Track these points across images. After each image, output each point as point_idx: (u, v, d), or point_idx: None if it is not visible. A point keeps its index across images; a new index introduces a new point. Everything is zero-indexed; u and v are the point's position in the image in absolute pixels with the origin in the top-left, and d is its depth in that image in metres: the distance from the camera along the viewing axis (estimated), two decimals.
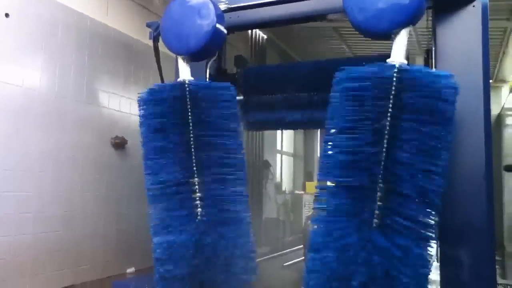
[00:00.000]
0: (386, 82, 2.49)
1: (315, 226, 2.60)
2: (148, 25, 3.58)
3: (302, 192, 10.96)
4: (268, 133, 8.95)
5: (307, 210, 10.61)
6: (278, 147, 10.27)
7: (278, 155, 10.26)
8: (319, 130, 11.98)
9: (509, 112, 8.07)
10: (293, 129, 8.22)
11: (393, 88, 2.47)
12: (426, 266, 2.38)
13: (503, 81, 10.76)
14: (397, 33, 2.57)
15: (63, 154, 3.95)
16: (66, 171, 3.92)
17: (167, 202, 2.92)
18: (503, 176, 7.58)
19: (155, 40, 3.53)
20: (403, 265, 2.36)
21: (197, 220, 2.89)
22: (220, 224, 2.90)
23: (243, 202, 2.95)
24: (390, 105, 2.47)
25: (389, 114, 2.47)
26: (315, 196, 2.66)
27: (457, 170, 2.66)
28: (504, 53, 8.96)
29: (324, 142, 2.66)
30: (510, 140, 7.20)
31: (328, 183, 2.66)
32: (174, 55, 3.34)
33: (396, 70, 2.48)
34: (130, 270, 4.42)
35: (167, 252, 2.87)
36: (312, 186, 11.51)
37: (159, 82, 3.63)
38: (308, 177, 11.70)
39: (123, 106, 4.56)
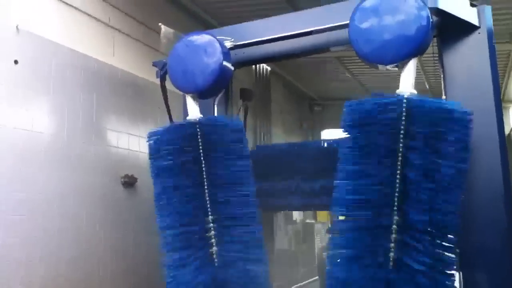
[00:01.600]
0: (395, 113, 2.47)
1: (331, 262, 2.55)
2: (155, 65, 3.61)
3: (313, 221, 10.82)
4: None
5: (319, 239, 10.47)
6: None
7: None
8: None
9: None
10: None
11: (403, 120, 2.45)
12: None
13: (510, 101, 10.76)
14: (404, 63, 2.57)
15: (74, 195, 3.94)
16: (75, 212, 3.90)
17: (182, 243, 2.88)
18: None
19: (162, 79, 3.56)
20: None
21: (212, 261, 2.83)
22: (236, 265, 2.84)
23: (258, 241, 2.90)
24: (401, 138, 2.45)
25: (400, 147, 2.44)
26: (331, 236, 2.61)
27: (475, 195, 2.61)
28: (509, 74, 9.02)
29: (336, 181, 2.63)
30: None
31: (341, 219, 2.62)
32: (180, 93, 3.36)
33: (405, 101, 2.47)
34: None
35: None
36: (323, 215, 11.35)
37: (167, 119, 3.65)
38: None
39: (132, 144, 4.57)
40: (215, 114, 3.87)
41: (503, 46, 7.43)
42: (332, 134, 12.07)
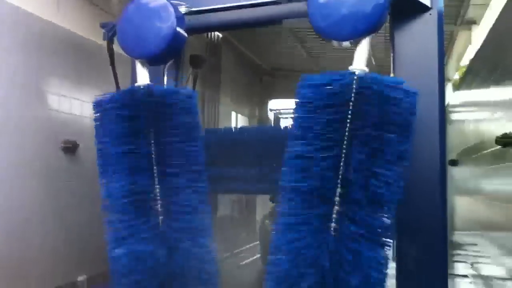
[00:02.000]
0: (345, 89, 2.52)
1: (275, 230, 2.61)
2: (103, 26, 3.43)
3: None
4: (222, 124, 8.86)
5: (260, 206, 10.67)
6: None
7: None
8: (273, 116, 12.05)
9: (452, 109, 8.41)
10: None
11: (353, 95, 2.51)
12: (381, 269, 2.43)
13: (448, 79, 11.29)
14: (359, 41, 2.60)
15: (9, 162, 3.72)
16: (11, 179, 3.69)
17: (126, 213, 2.81)
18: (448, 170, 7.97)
19: (110, 41, 3.39)
20: (355, 269, 2.41)
21: (157, 230, 2.81)
22: (181, 234, 2.83)
23: (205, 210, 2.90)
24: (349, 113, 2.51)
25: (348, 121, 2.50)
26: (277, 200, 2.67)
27: (413, 169, 2.73)
28: (449, 55, 9.44)
29: (287, 148, 2.67)
30: (453, 135, 7.55)
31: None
32: (129, 57, 3.22)
33: (356, 77, 2.52)
34: (81, 278, 4.24)
35: (126, 264, 2.76)
36: None
37: (114, 84, 3.50)
38: None
39: (75, 108, 4.34)
40: (165, 82, 3.77)
41: (449, 27, 8.01)
42: (279, 104, 12.18)
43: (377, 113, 2.47)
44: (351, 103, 2.50)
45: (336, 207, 2.46)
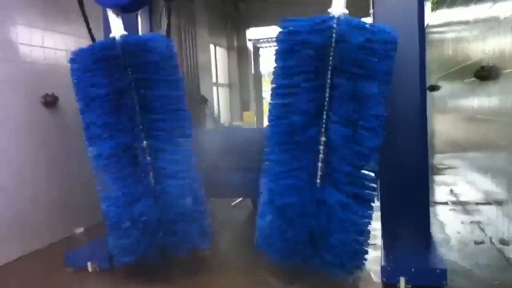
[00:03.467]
0: (326, 34, 2.49)
1: (264, 179, 2.69)
2: None
3: (241, 122, 11.05)
4: (202, 65, 8.73)
5: None
6: (214, 80, 10.11)
7: (214, 88, 10.13)
8: (252, 46, 11.83)
9: (431, 30, 8.30)
10: None
11: (333, 39, 2.48)
12: (368, 217, 2.56)
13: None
14: None
15: None
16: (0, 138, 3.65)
17: (113, 170, 2.85)
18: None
19: None
20: (341, 220, 2.48)
21: (144, 185, 2.86)
22: (169, 187, 2.87)
23: (190, 161, 2.94)
24: (331, 56, 2.49)
25: (329, 65, 2.50)
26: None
27: (394, 100, 2.79)
28: None
29: (270, 96, 2.69)
30: (433, 58, 7.52)
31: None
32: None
33: (335, 21, 2.48)
34: (79, 230, 4.34)
35: (120, 221, 2.84)
36: (249, 116, 11.59)
37: (85, 30, 3.34)
38: (245, 107, 11.75)
39: (49, 58, 4.18)
40: (140, 29, 3.65)
41: None
42: (257, 33, 11.89)
43: (357, 56, 2.47)
44: (331, 47, 2.49)
45: (320, 155, 2.53)
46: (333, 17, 2.51)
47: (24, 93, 3.88)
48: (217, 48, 10.45)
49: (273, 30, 11.22)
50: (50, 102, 4.05)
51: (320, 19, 2.54)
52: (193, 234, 2.88)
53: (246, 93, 12.00)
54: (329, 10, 2.58)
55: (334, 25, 2.48)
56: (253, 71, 12.06)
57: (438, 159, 6.62)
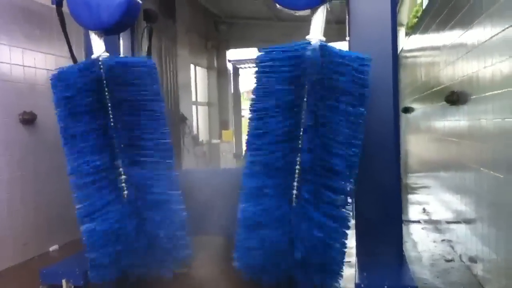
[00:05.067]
0: (302, 60, 2.57)
1: (242, 204, 2.74)
2: None
3: (219, 141, 11.11)
4: (182, 84, 8.79)
5: (224, 159, 10.84)
6: (193, 98, 10.17)
7: (194, 106, 10.18)
8: (232, 67, 11.93)
9: (405, 54, 8.58)
10: None
11: (308, 65, 2.56)
12: (342, 239, 2.62)
13: (401, 24, 11.43)
14: (315, 10, 2.65)
15: None
16: None
17: (92, 188, 2.86)
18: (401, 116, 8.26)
19: (58, 5, 3.23)
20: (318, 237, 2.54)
21: (123, 204, 2.88)
22: (148, 207, 2.91)
23: (171, 183, 2.97)
24: (306, 83, 2.59)
25: (306, 91, 2.59)
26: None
27: (369, 123, 2.88)
28: (401, 2, 9.52)
29: (249, 120, 2.76)
30: (407, 81, 7.76)
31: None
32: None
33: (310, 47, 2.58)
34: (54, 248, 4.29)
35: (97, 238, 2.84)
36: (228, 134, 11.67)
37: (67, 49, 3.37)
38: (224, 125, 11.83)
39: (28, 75, 4.18)
40: (121, 50, 3.69)
41: None
42: (237, 54, 12.05)
43: (334, 83, 2.57)
44: (305, 73, 2.58)
45: (296, 175, 2.60)
46: (309, 43, 2.61)
47: (3, 111, 3.87)
48: (197, 67, 10.54)
49: (253, 52, 11.47)
50: (28, 119, 4.05)
51: (297, 46, 2.63)
52: (173, 253, 2.89)
53: (225, 112, 12.10)
54: (307, 37, 2.68)
55: (309, 52, 2.58)
56: (232, 91, 12.18)
57: (412, 179, 6.78)
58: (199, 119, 10.61)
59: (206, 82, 11.39)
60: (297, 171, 2.61)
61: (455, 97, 3.44)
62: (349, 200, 2.67)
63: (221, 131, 11.58)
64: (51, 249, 4.32)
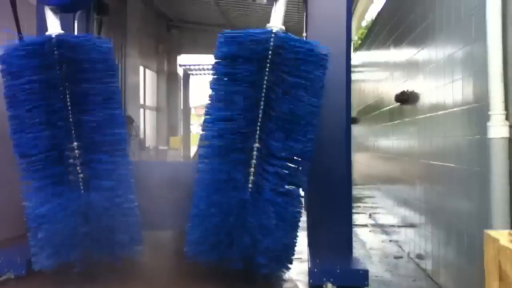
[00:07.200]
0: (264, 46, 2.64)
1: (196, 187, 2.72)
2: None
3: (166, 147, 10.93)
4: (131, 86, 8.62)
5: None
6: (141, 101, 9.98)
7: (141, 110, 9.98)
8: (183, 72, 11.82)
9: (353, 69, 8.92)
10: None
11: (270, 51, 2.64)
12: (296, 214, 2.69)
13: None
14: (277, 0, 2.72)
15: None
16: None
17: (42, 169, 2.73)
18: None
19: None
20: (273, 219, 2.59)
21: (76, 188, 2.77)
22: (102, 191, 2.81)
23: (125, 166, 2.89)
24: (267, 69, 2.64)
25: (265, 77, 2.64)
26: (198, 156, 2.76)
27: (322, 124, 2.96)
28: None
29: (207, 104, 2.76)
30: (353, 94, 8.04)
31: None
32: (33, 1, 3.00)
33: (273, 35, 2.65)
34: None
35: (42, 222, 2.69)
36: (176, 141, 11.52)
37: (15, 31, 3.23)
38: (173, 131, 11.68)
39: None
40: (75, 31, 3.59)
41: None
42: (188, 59, 12.01)
43: (291, 69, 2.64)
44: (268, 59, 2.64)
45: (253, 161, 2.64)
46: (271, 31, 2.66)
47: None
48: (147, 70, 10.39)
49: (205, 58, 11.42)
50: None
51: (258, 32, 2.68)
52: (121, 241, 2.80)
53: (174, 118, 11.96)
54: (267, 25, 2.74)
55: (272, 38, 2.63)
56: (182, 97, 12.09)
57: (356, 190, 7.02)
58: (146, 124, 10.41)
59: (156, 86, 11.23)
60: (254, 157, 2.64)
61: (405, 97, 3.59)
62: (302, 191, 2.75)
63: (169, 137, 11.42)
64: None
